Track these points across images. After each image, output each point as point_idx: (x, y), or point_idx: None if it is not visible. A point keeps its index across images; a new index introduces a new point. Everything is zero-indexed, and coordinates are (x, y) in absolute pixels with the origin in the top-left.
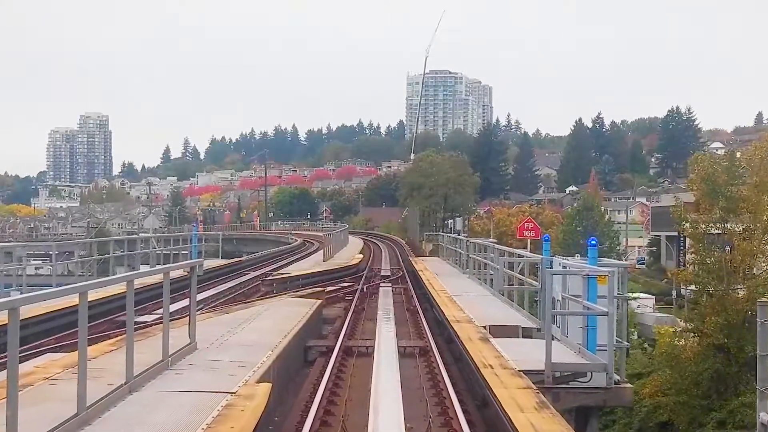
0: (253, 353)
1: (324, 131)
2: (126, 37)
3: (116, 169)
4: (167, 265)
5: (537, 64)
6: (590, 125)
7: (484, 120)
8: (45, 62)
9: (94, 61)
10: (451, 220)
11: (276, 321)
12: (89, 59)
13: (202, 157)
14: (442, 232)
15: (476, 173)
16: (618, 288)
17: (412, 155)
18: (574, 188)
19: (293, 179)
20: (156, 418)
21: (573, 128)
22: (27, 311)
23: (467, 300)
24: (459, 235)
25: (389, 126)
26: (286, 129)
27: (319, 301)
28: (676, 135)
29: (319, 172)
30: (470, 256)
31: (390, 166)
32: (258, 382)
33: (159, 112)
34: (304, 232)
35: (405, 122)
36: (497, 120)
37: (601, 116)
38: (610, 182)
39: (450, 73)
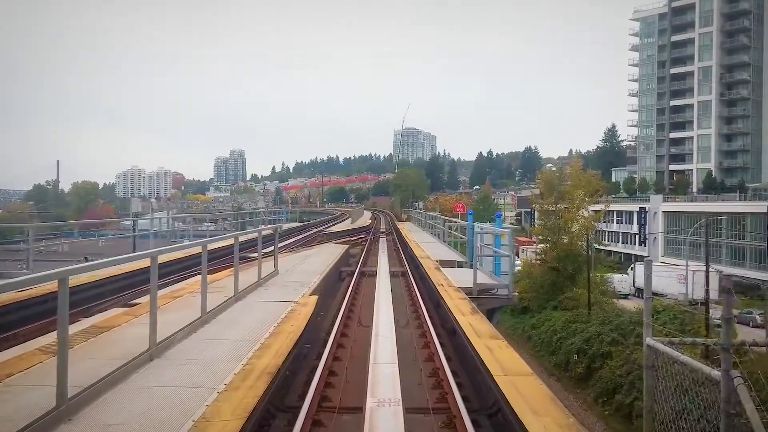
0: (309, 277)
1: (351, 158)
2: (254, 92)
3: (248, 176)
4: (259, 228)
5: (458, 117)
6: (486, 154)
7: (432, 152)
8: (209, 117)
9: (235, 115)
10: (417, 203)
11: (324, 257)
12: (234, 115)
13: (291, 170)
14: (412, 209)
15: (428, 179)
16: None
17: (396, 170)
18: (477, 187)
19: (336, 182)
20: (251, 315)
21: (477, 156)
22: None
23: (426, 245)
24: (420, 210)
25: (384, 155)
26: (332, 156)
27: (348, 246)
28: (528, 159)
29: (349, 179)
30: (427, 221)
31: (385, 176)
32: (311, 294)
33: (271, 145)
34: (341, 209)
35: (393, 153)
36: (439, 152)
37: (491, 150)
38: (496, 184)
39: (415, 129)
